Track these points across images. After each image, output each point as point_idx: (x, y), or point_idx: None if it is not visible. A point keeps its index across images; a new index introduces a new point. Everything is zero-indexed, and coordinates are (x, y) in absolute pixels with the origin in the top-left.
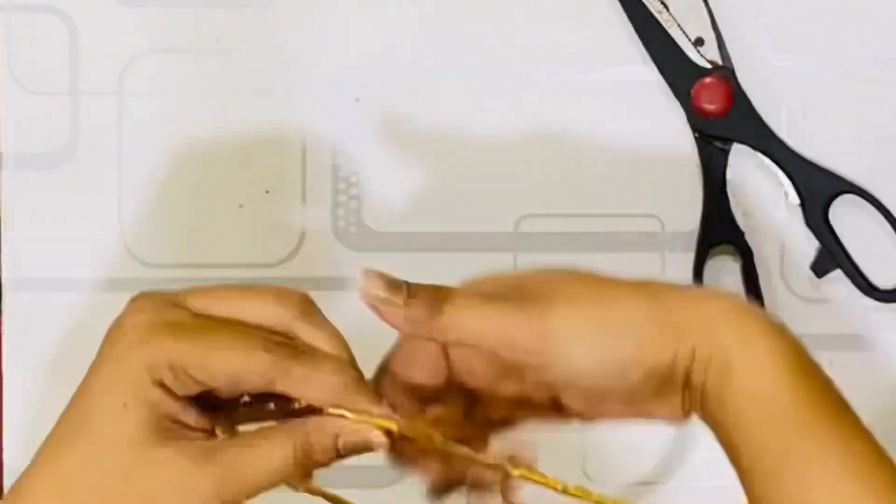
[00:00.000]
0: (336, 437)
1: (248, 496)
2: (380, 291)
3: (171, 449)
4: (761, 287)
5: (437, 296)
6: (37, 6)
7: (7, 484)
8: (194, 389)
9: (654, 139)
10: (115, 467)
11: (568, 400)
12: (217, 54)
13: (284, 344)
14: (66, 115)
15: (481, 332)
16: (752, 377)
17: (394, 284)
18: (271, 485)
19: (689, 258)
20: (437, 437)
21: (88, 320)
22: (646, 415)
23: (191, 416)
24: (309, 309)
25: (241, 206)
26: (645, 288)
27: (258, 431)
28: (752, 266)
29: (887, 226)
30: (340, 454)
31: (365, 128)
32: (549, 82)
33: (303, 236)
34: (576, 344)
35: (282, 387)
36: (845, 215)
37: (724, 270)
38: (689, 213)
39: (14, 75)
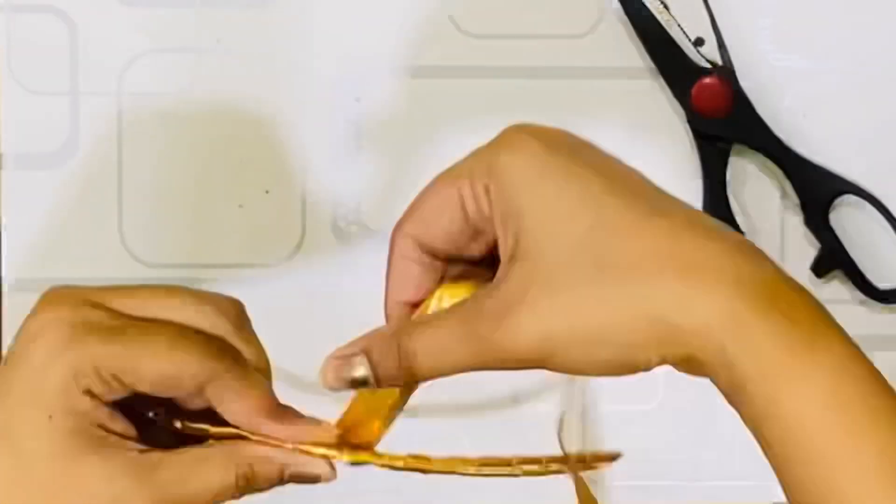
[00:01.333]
0: (282, 468)
1: None
2: (346, 374)
3: (100, 459)
4: None
5: (396, 344)
6: (37, 6)
7: None
8: (123, 392)
9: (654, 139)
10: (42, 481)
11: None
12: (217, 54)
13: (221, 350)
14: (66, 115)
15: (453, 365)
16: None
17: (349, 361)
18: None
19: None
20: (385, 457)
21: None
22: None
23: (118, 424)
24: (243, 320)
25: (241, 206)
26: (647, 259)
27: (198, 451)
28: None
29: (887, 226)
30: (283, 482)
31: (365, 128)
32: (550, 82)
33: (303, 236)
34: (573, 354)
35: (211, 395)
36: (845, 215)
37: None
38: None
39: (14, 75)
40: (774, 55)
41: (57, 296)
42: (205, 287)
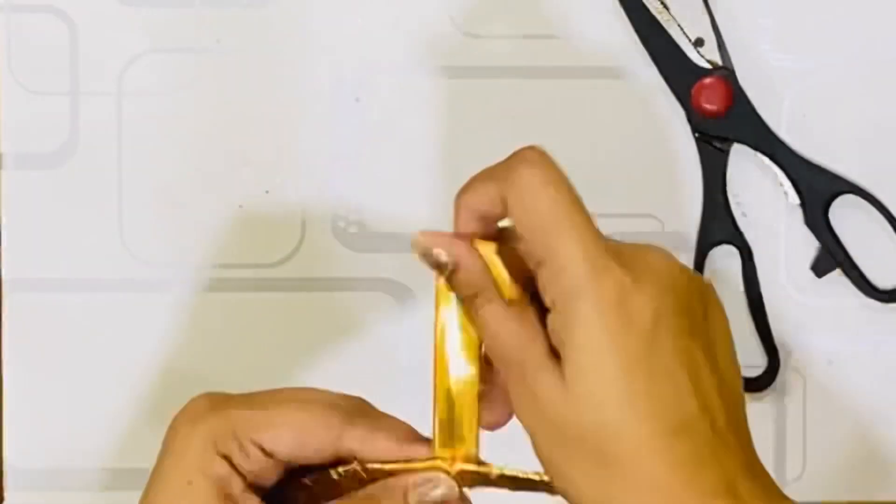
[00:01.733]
0: (404, 494)
1: None
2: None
3: None
4: (761, 287)
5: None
6: (37, 6)
7: (7, 484)
8: (260, 462)
9: (654, 139)
10: None
11: None
12: (217, 54)
13: (347, 398)
14: (66, 115)
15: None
16: None
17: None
18: None
19: (689, 258)
20: (503, 471)
21: (88, 320)
22: None
23: (250, 501)
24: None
25: (241, 206)
26: None
27: None
28: (752, 266)
29: (887, 226)
30: None
31: (365, 128)
32: (550, 82)
33: (303, 236)
34: None
35: (349, 441)
36: (845, 215)
37: (725, 270)
38: (689, 213)
39: (14, 75)
40: (774, 55)
41: (196, 397)
42: (202, 286)
